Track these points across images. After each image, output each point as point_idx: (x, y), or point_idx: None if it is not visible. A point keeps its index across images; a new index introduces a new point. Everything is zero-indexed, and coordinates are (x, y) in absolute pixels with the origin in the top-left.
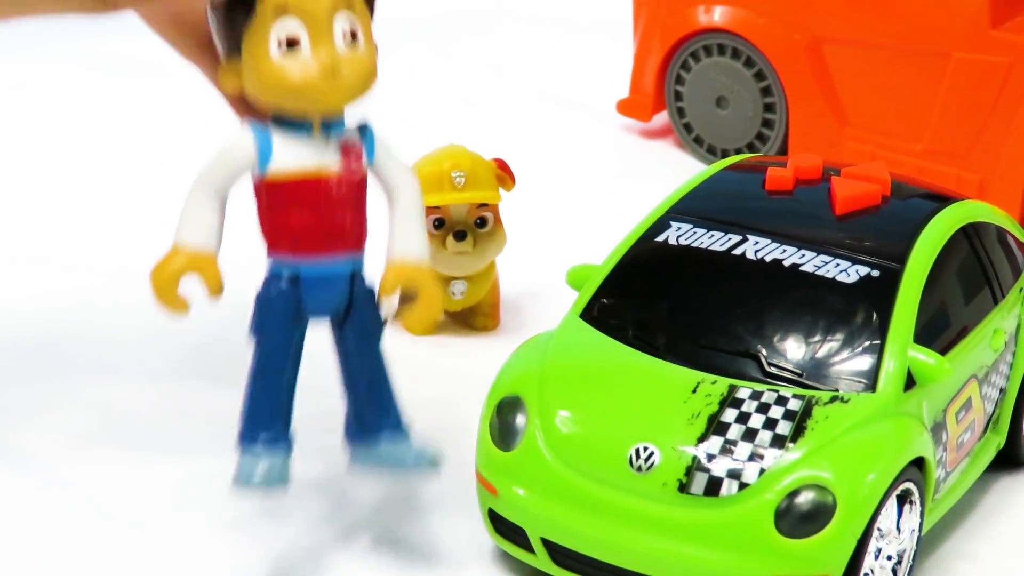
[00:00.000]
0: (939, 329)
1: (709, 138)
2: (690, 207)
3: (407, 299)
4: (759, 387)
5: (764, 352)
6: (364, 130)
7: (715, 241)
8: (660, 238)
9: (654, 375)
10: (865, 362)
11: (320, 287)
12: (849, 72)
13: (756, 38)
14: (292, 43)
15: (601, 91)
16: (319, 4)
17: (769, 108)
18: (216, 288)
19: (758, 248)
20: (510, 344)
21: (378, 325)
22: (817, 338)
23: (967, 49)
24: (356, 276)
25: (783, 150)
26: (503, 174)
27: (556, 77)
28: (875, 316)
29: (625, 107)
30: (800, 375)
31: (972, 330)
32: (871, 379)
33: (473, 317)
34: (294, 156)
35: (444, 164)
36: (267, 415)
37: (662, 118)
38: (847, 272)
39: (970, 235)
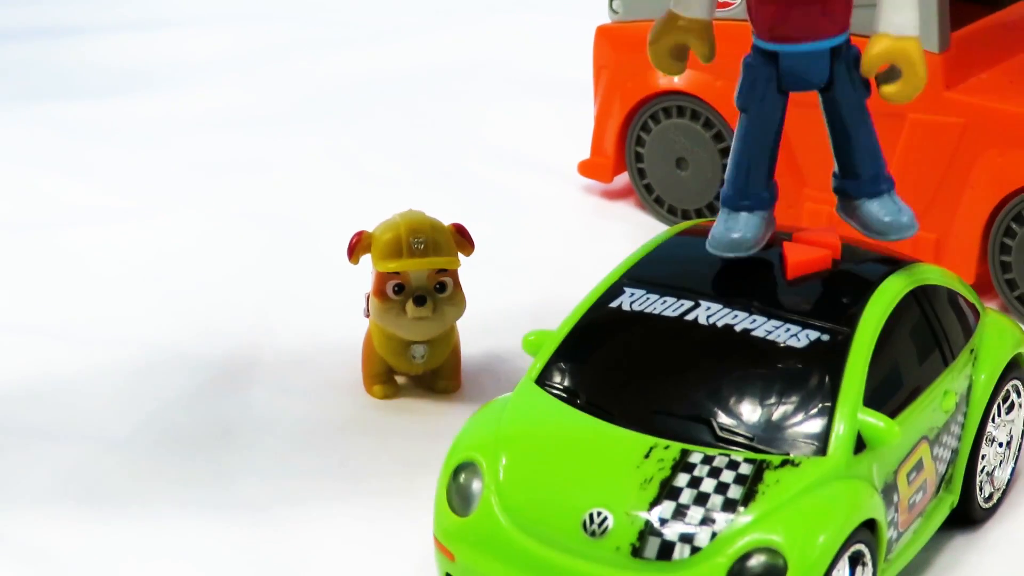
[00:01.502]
0: (890, 392)
1: (669, 199)
2: (644, 273)
3: (892, 72)
4: (711, 451)
5: (716, 417)
6: None
7: (668, 307)
8: (614, 304)
9: (608, 440)
10: (815, 426)
11: (799, 68)
12: (806, 133)
13: (714, 100)
14: None
15: (563, 152)
16: None
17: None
18: (707, 56)
19: (710, 314)
20: (472, 406)
21: (863, 93)
22: (768, 402)
23: (922, 110)
24: (837, 53)
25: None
26: (462, 239)
27: (519, 138)
28: (825, 380)
29: (586, 168)
30: (751, 439)
31: (923, 392)
32: (822, 442)
33: (435, 380)
34: None
35: (403, 230)
36: (747, 181)
37: (623, 179)
38: (797, 337)
39: (920, 298)
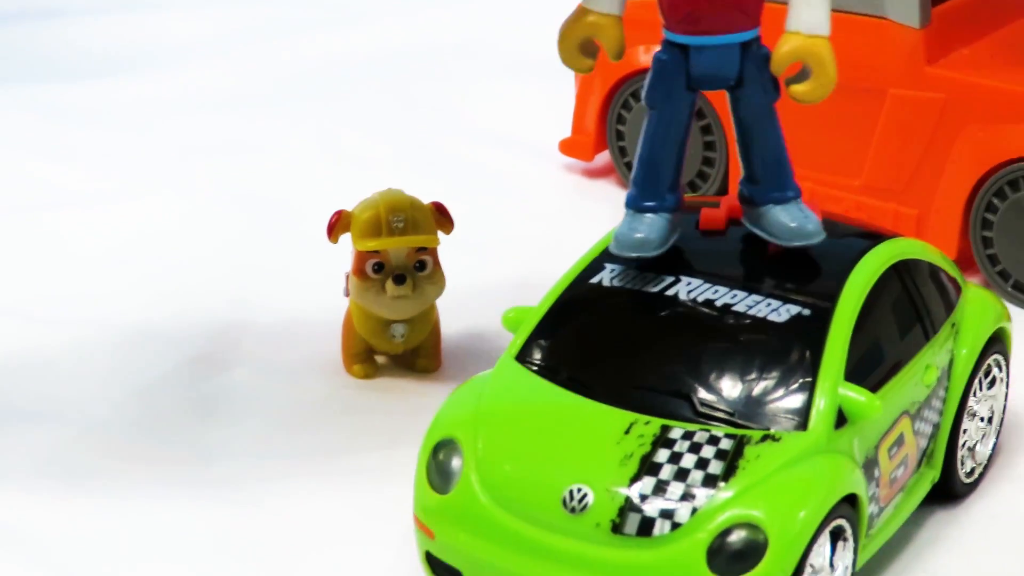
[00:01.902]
0: (870, 366)
1: None
2: None
3: (802, 72)
4: (691, 427)
5: (696, 392)
6: None
7: (648, 283)
8: (594, 280)
9: (588, 417)
10: (796, 401)
11: (709, 62)
12: (786, 110)
13: None
14: None
15: (545, 131)
16: None
17: (709, 147)
18: (616, 52)
19: (691, 289)
20: (452, 385)
21: (771, 94)
22: (749, 378)
23: (903, 85)
24: (747, 49)
25: (723, 188)
26: (442, 217)
27: (501, 117)
28: (806, 355)
29: (567, 147)
30: (732, 414)
31: (904, 367)
32: (802, 417)
33: (415, 359)
34: None
35: (382, 209)
36: (653, 182)
37: (604, 157)
38: (778, 312)
39: (901, 272)
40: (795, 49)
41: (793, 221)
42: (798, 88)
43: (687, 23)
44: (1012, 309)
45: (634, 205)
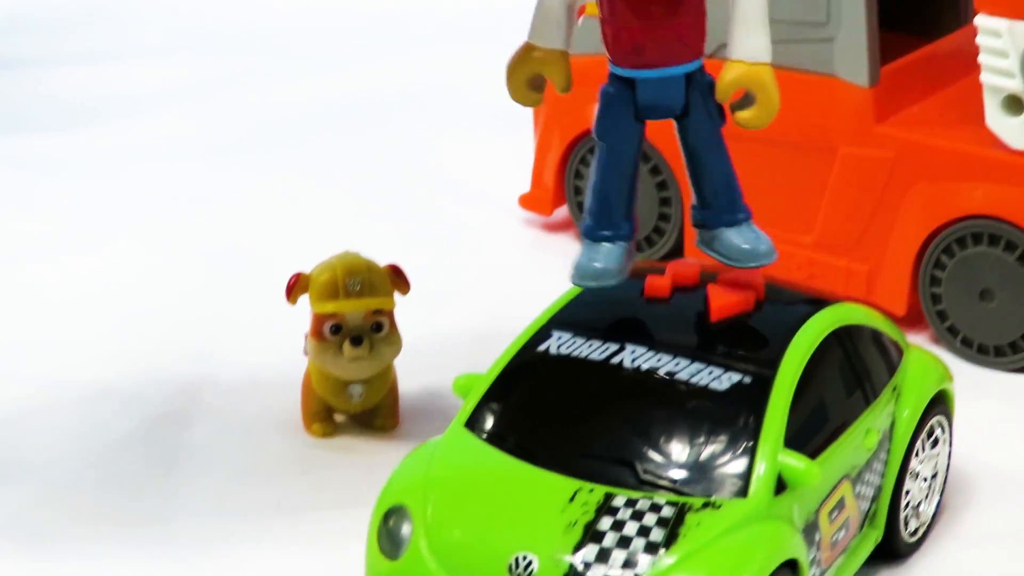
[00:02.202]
0: (811, 432)
1: None
2: (571, 316)
3: (746, 99)
4: (634, 495)
5: (640, 459)
6: None
7: (594, 350)
8: (541, 348)
9: (534, 484)
10: (737, 468)
11: (655, 94)
12: (740, 166)
13: (650, 133)
14: None
15: (507, 183)
16: None
17: (665, 202)
18: (564, 86)
19: (635, 357)
20: (410, 444)
21: (717, 121)
22: (691, 445)
23: (853, 143)
24: (692, 79)
25: (679, 244)
26: (398, 279)
27: (464, 169)
28: (747, 422)
29: (527, 201)
30: (674, 482)
31: (844, 431)
32: (743, 484)
33: (373, 418)
34: None
35: (339, 271)
36: (607, 212)
37: (563, 212)
38: (720, 380)
39: (842, 338)
40: (739, 77)
41: (746, 243)
42: (743, 114)
43: (632, 57)
44: (961, 363)
45: (591, 235)
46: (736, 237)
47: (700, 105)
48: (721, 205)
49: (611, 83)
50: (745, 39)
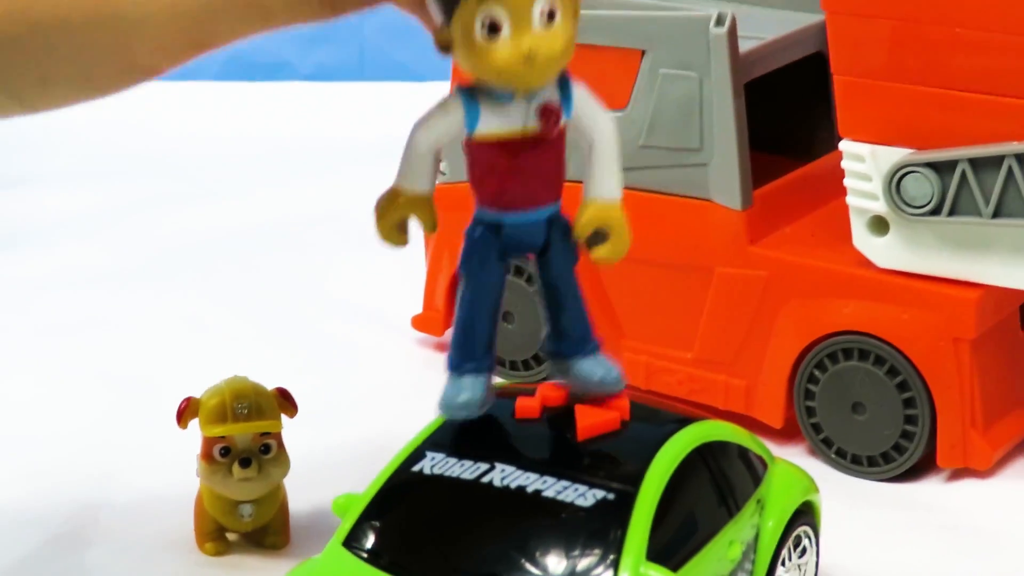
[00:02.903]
0: (675, 545)
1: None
2: (445, 437)
3: (601, 236)
4: None
5: (508, 573)
6: (564, 86)
7: (465, 470)
8: (416, 468)
9: None
10: None
11: (519, 235)
12: (623, 286)
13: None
14: (494, 27)
15: (400, 305)
16: None
17: None
18: (431, 226)
19: (504, 476)
20: (301, 560)
21: (573, 259)
22: (557, 559)
23: (728, 264)
24: (552, 219)
25: None
26: (285, 402)
27: (358, 291)
28: (611, 537)
29: (419, 322)
30: None
31: (707, 543)
32: None
33: (264, 536)
34: (498, 120)
35: (227, 396)
36: (470, 346)
37: None
38: (585, 496)
39: (705, 454)
40: (593, 217)
41: (598, 371)
42: (598, 251)
43: (497, 201)
44: (835, 474)
45: (456, 368)
46: (589, 366)
47: (559, 243)
48: (576, 336)
49: (475, 224)
50: (599, 181)
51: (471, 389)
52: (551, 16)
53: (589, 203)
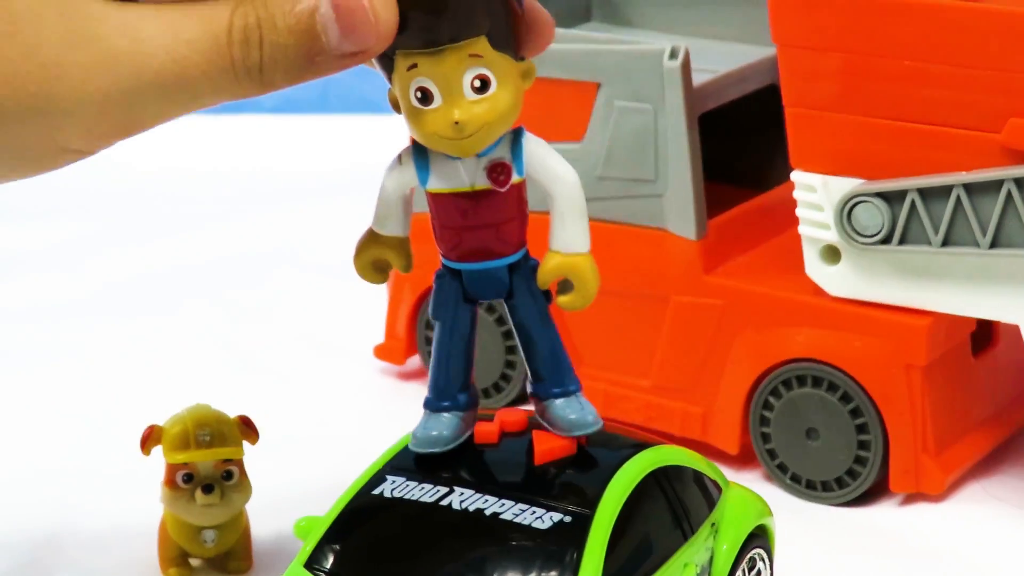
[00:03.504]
0: (630, 567)
1: None
2: (404, 462)
3: (566, 284)
4: None
5: None
6: (517, 141)
7: (425, 493)
8: (376, 491)
9: None
10: None
11: (480, 282)
12: (580, 315)
13: None
14: (426, 96)
15: (362, 334)
16: (443, 66)
17: (511, 350)
18: (404, 268)
19: (463, 499)
20: None
21: (542, 301)
22: None
23: (683, 292)
24: (516, 267)
25: (524, 390)
26: (247, 429)
27: (319, 322)
28: (567, 559)
29: (381, 351)
30: None
31: (662, 565)
32: None
33: (227, 561)
34: (446, 177)
35: (189, 423)
36: (445, 384)
37: (416, 361)
38: (542, 519)
39: (660, 478)
40: (556, 267)
41: (573, 413)
42: (562, 299)
43: (456, 252)
44: (791, 499)
45: (431, 406)
46: (565, 408)
47: (524, 289)
48: (551, 378)
49: (442, 269)
50: (561, 232)
51: (444, 426)
52: (484, 85)
53: (552, 255)
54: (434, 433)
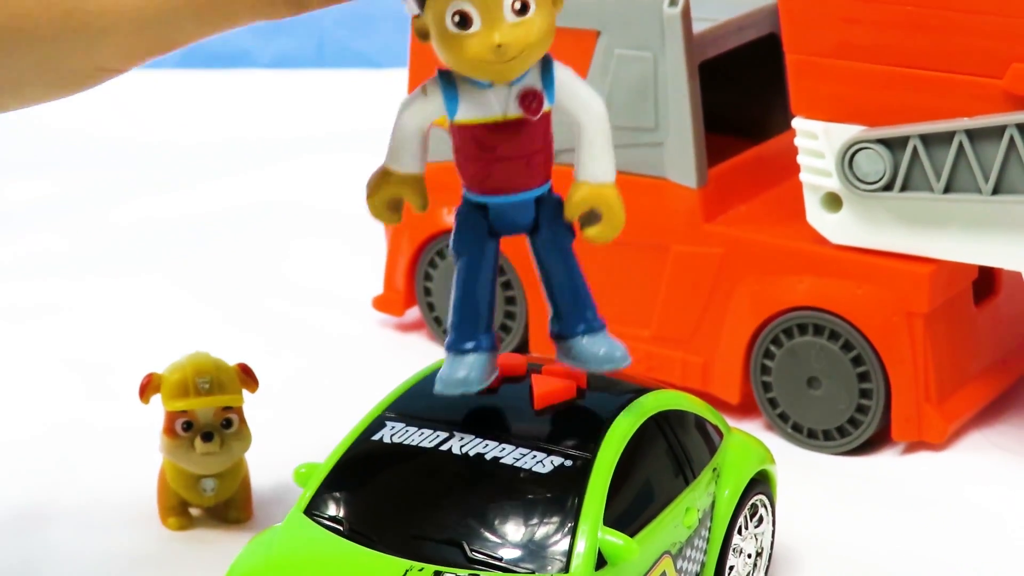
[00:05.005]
0: (631, 511)
1: None
2: (404, 407)
3: (593, 216)
4: (462, 572)
5: (468, 539)
6: (547, 71)
7: (425, 438)
8: (376, 437)
9: (367, 566)
10: (559, 545)
11: (507, 216)
12: (580, 265)
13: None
14: (465, 20)
15: (360, 286)
16: None
17: (511, 300)
18: (421, 206)
19: (463, 444)
20: None
21: (567, 236)
22: (515, 524)
23: (683, 242)
24: (542, 200)
25: (525, 338)
26: (246, 378)
27: (318, 274)
28: (568, 503)
29: (379, 303)
30: (500, 559)
31: (664, 510)
32: (565, 561)
33: (227, 511)
34: (477, 107)
35: (189, 371)
36: (469, 325)
37: (415, 312)
38: (543, 463)
39: (661, 423)
40: (585, 197)
41: (602, 348)
42: (590, 230)
43: (483, 185)
44: (792, 448)
45: (454, 348)
46: (591, 344)
47: (549, 222)
48: (574, 314)
49: (464, 204)
50: (590, 162)
51: (470, 367)
52: (524, 8)
53: (580, 184)
54: (461, 374)
